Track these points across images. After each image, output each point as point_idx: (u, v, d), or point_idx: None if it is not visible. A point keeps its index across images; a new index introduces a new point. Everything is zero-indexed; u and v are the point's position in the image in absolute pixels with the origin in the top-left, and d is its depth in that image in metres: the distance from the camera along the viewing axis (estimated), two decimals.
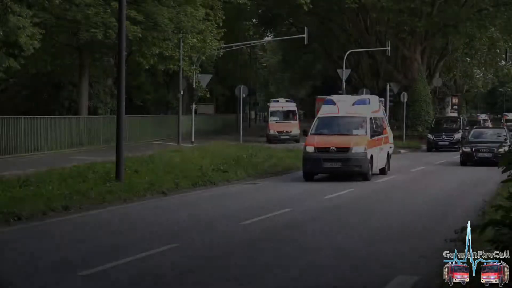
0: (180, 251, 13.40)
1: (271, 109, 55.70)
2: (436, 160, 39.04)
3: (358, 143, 26.81)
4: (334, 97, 30.49)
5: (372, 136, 27.62)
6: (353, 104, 28.57)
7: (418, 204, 20.54)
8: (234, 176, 27.00)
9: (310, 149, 26.96)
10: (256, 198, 22.13)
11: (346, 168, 26.60)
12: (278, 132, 53.68)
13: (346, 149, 26.59)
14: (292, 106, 56.82)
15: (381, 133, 29.29)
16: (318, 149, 26.77)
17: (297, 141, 51.60)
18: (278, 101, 58.01)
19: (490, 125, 66.11)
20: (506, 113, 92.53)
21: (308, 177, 27.18)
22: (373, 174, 28.28)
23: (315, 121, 28.86)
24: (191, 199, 22.10)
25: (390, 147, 36.49)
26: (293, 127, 53.97)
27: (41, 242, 14.60)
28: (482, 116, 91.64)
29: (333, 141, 26.99)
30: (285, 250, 13.54)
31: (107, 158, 27.36)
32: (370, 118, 28.10)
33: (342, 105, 28.61)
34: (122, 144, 22.48)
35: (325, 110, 28.96)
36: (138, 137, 46.88)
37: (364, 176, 26.87)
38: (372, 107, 29.19)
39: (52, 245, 14.13)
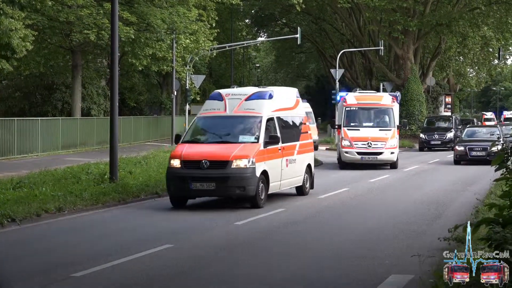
0: (175, 252, 13.42)
1: None
2: (430, 159, 39.09)
3: (242, 155, 19.06)
4: (225, 90, 22.32)
5: (268, 143, 19.87)
6: (247, 99, 20.74)
7: (412, 203, 20.57)
8: None
9: (175, 162, 19.34)
10: None
11: (222, 191, 19.20)
12: None
13: (224, 163, 18.94)
14: (306, 106, 47.65)
15: (293, 139, 21.83)
16: (185, 163, 19.16)
17: (315, 148, 46.04)
18: None
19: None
20: (505, 112, 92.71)
21: (176, 202, 19.68)
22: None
23: (191, 123, 21.68)
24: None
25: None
26: (312, 132, 46.49)
27: (35, 243, 14.58)
28: (488, 114, 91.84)
29: (207, 151, 19.40)
30: (279, 250, 13.56)
31: (101, 159, 27.35)
32: (269, 119, 20.49)
33: (231, 100, 20.81)
34: (116, 145, 22.45)
35: (207, 108, 21.18)
36: (131, 138, 46.85)
37: (251, 202, 19.27)
38: (276, 103, 21.25)
39: (46, 247, 14.12)
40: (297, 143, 22.04)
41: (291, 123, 22.26)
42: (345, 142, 32.52)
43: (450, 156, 38.30)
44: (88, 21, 36.55)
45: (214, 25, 46.01)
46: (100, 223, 17.29)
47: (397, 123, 33.29)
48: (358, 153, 32.20)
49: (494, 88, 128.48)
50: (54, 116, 42.31)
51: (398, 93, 37.44)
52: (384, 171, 30.95)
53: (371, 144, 32.17)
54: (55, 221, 17.41)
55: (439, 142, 47.52)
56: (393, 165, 32.55)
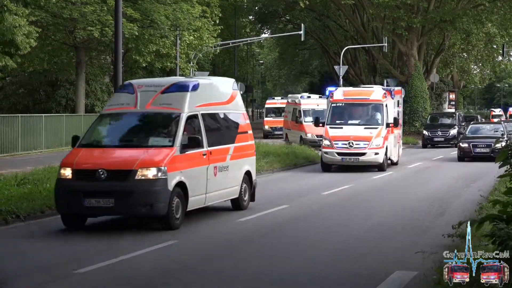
0: (179, 248, 13.45)
1: (303, 107, 45.49)
2: (433, 156, 39.05)
3: (150, 162, 15.06)
4: (139, 81, 18.34)
5: (187, 147, 15.80)
6: (163, 92, 16.55)
7: (416, 199, 20.56)
8: None
9: (66, 172, 15.32)
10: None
11: (123, 209, 15.14)
12: (317, 136, 42.26)
13: (125, 174, 14.95)
14: None
15: (225, 141, 17.77)
16: (78, 174, 15.20)
17: None
18: (309, 97, 47.33)
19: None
20: (510, 108, 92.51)
21: (68, 222, 15.62)
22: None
23: (93, 123, 17.27)
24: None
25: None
26: None
27: (39, 239, 14.60)
28: (496, 111, 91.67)
29: (106, 158, 15.56)
30: (282, 246, 13.56)
31: None
32: (191, 116, 16.37)
33: (145, 93, 16.59)
34: None
35: (113, 102, 17.23)
36: None
37: (162, 222, 15.24)
38: (202, 96, 17.06)
39: (50, 243, 14.14)
40: (231, 146, 17.92)
41: (223, 122, 18.19)
42: (326, 142, 29.42)
43: (453, 153, 38.25)
44: (92, 17, 36.60)
45: (217, 21, 46.05)
46: (103, 219, 17.28)
47: (390, 120, 30.24)
48: (339, 153, 29.01)
49: (498, 85, 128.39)
50: (58, 112, 42.39)
51: (396, 88, 35.60)
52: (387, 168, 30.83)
53: (352, 144, 28.98)
54: (59, 217, 17.40)
55: (443, 139, 47.34)
56: (380, 167, 29.33)
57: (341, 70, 55.31)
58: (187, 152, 15.79)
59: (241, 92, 50.98)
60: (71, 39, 40.11)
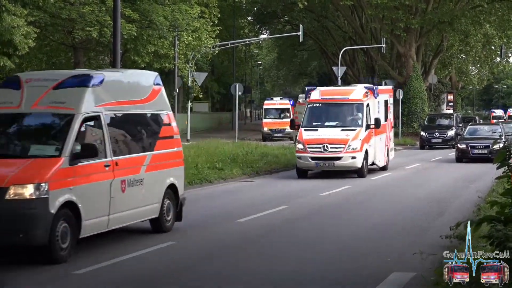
0: (177, 249, 13.47)
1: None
2: (431, 157, 39.07)
3: (27, 177, 11.80)
4: (29, 74, 15.27)
5: (79, 157, 12.47)
6: (56, 87, 13.19)
7: (414, 200, 20.59)
8: (230, 174, 27.02)
9: None
10: (251, 195, 22.16)
11: None
12: None
13: None
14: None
15: (139, 149, 14.54)
16: None
17: None
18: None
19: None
20: (510, 109, 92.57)
21: None
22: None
23: None
24: (186, 197, 22.04)
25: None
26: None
27: None
28: (497, 112, 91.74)
29: None
30: (281, 247, 13.60)
31: None
32: (90, 118, 13.10)
33: (33, 88, 13.27)
34: None
35: None
36: None
37: (44, 255, 11.88)
38: (109, 93, 13.81)
39: None
40: (148, 154, 14.59)
41: (137, 125, 14.79)
42: (299, 146, 27.19)
43: (451, 154, 38.29)
44: (90, 18, 36.61)
45: (216, 22, 46.08)
46: None
47: (371, 121, 27.79)
48: (312, 158, 26.74)
49: (496, 86, 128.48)
50: None
51: (381, 87, 33.82)
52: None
53: (327, 147, 26.63)
54: None
55: (440, 140, 47.23)
56: (358, 173, 27.09)
57: (340, 71, 55.33)
58: (80, 164, 12.48)
59: (240, 93, 51.03)
60: (70, 40, 40.11)
